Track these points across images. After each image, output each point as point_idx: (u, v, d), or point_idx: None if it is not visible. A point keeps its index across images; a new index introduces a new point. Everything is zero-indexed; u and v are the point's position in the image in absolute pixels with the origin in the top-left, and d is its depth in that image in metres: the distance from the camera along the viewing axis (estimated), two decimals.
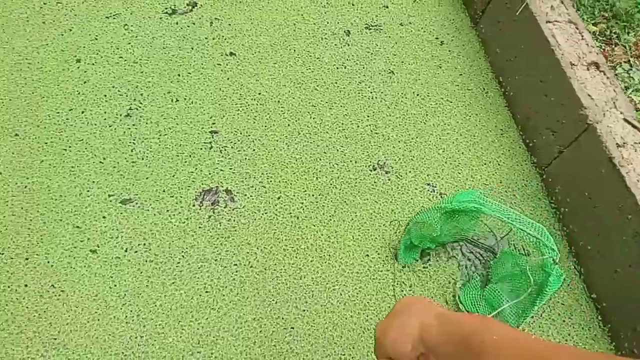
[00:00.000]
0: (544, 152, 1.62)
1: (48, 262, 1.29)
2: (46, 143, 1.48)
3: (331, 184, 1.52)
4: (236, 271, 1.33)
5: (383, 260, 1.40)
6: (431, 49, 1.91)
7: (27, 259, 1.29)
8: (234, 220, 1.41)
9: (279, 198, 1.47)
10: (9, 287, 1.25)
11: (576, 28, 1.69)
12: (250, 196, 1.46)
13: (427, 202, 1.52)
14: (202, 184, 1.47)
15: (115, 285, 1.27)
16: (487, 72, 1.87)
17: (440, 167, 1.59)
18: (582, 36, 1.66)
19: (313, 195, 1.49)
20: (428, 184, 1.55)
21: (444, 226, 1.30)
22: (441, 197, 1.53)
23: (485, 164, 1.63)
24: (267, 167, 1.52)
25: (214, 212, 1.42)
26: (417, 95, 1.76)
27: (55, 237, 1.33)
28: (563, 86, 1.54)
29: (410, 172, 1.57)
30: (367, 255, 1.40)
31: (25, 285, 1.25)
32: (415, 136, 1.65)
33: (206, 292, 1.29)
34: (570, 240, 1.50)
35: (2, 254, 1.29)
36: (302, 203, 1.47)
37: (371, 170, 1.56)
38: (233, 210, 1.43)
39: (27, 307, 1.22)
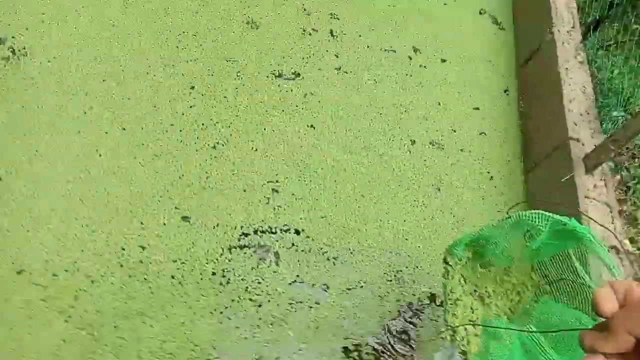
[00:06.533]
0: None
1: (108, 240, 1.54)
2: (138, 146, 1.77)
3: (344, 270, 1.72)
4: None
5: None
6: (480, 180, 2.13)
7: (93, 230, 1.55)
8: (272, 287, 1.63)
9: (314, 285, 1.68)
10: None
11: (609, 211, 1.88)
12: (293, 268, 1.68)
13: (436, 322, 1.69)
14: (256, 237, 1.71)
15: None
16: None
17: None
18: (613, 220, 1.85)
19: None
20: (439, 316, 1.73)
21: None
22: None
23: None
24: (313, 249, 1.75)
25: (257, 267, 1.66)
26: (454, 216, 1.97)
27: (123, 227, 1.59)
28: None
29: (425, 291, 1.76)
30: None
31: None
32: (440, 253, 1.85)
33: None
34: None
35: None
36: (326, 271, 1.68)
37: (388, 281, 1.75)
38: (274, 273, 1.65)
39: None
